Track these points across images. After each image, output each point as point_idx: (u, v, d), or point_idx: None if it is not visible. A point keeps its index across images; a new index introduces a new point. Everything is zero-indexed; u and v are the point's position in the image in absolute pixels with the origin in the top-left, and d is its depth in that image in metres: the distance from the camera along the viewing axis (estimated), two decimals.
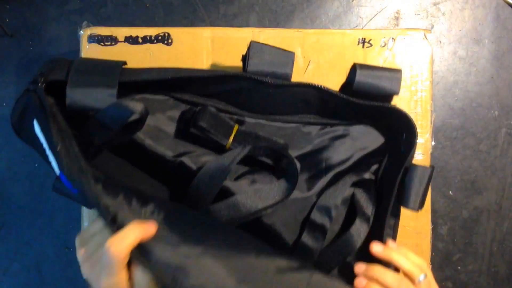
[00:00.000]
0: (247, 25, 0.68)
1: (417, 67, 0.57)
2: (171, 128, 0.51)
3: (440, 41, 0.69)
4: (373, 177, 0.53)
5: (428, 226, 0.56)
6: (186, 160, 0.49)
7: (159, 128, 0.50)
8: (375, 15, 0.68)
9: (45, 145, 0.39)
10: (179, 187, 0.50)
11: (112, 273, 0.34)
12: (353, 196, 0.51)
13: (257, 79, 0.45)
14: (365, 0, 0.68)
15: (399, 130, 0.49)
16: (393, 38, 0.56)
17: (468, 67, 0.69)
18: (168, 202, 0.43)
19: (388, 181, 0.48)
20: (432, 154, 0.56)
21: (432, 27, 0.68)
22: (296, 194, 0.51)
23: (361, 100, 0.46)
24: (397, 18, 0.68)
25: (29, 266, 0.68)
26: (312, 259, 0.50)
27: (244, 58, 0.46)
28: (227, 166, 0.46)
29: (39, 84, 0.40)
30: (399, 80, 0.46)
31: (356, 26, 0.68)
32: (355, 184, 0.49)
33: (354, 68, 0.46)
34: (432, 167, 0.47)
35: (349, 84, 0.47)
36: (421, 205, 0.47)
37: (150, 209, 0.39)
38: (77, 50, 0.55)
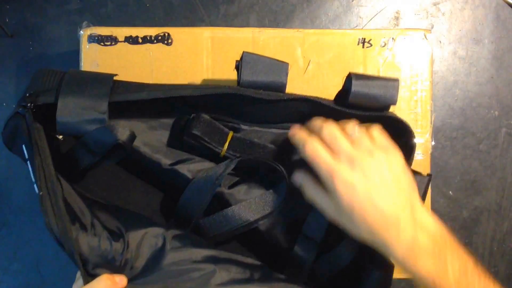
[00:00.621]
0: (247, 25, 0.68)
1: (417, 67, 0.57)
2: (165, 135, 0.50)
3: (440, 41, 0.69)
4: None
5: None
6: (181, 168, 0.48)
7: (153, 135, 0.50)
8: (375, 15, 0.68)
9: (31, 170, 0.40)
10: (174, 195, 0.50)
11: None
12: None
13: (251, 96, 0.44)
14: (365, 0, 0.68)
15: (397, 137, 0.49)
16: (393, 38, 0.56)
17: (468, 67, 0.69)
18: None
19: None
20: (432, 154, 0.56)
21: (432, 27, 0.68)
22: (292, 202, 0.50)
23: (358, 111, 0.45)
24: (397, 18, 0.68)
25: (29, 266, 0.68)
26: (305, 269, 0.50)
27: (237, 67, 0.46)
28: (214, 181, 0.45)
29: (29, 108, 0.40)
30: (396, 89, 0.44)
31: (356, 26, 0.68)
32: None
33: (349, 77, 0.45)
34: (430, 175, 0.46)
35: (345, 92, 0.46)
36: None
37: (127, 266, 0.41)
38: (77, 50, 0.55)
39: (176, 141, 0.49)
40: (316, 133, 0.44)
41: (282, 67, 0.45)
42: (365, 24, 0.68)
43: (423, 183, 0.46)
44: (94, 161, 0.45)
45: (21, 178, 0.67)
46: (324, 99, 0.45)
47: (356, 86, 0.44)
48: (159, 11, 0.67)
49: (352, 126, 0.43)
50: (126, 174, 0.50)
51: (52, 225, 0.37)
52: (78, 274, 0.46)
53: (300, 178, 0.45)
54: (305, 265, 0.49)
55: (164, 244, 0.43)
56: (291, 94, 0.45)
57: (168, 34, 0.55)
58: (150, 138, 0.49)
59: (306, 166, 0.43)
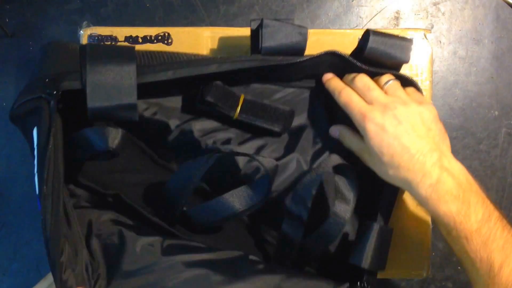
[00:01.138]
0: (247, 25, 0.68)
1: (417, 67, 0.57)
2: (177, 103, 0.50)
3: (440, 41, 0.69)
4: None
5: (428, 226, 0.56)
6: (189, 125, 0.49)
7: (162, 104, 0.49)
8: (375, 15, 0.68)
9: (35, 153, 0.39)
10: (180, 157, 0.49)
11: None
12: (328, 183, 0.50)
13: (276, 64, 0.45)
14: (365, 0, 0.68)
15: None
16: None
17: (468, 67, 0.69)
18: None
19: None
20: None
21: (432, 27, 0.68)
22: (293, 171, 0.50)
23: (372, 68, 0.47)
24: (397, 18, 0.68)
25: (29, 266, 0.68)
26: (294, 248, 0.50)
27: (255, 34, 0.46)
28: (196, 174, 0.46)
29: (55, 95, 0.39)
30: (409, 49, 0.46)
31: (356, 26, 0.68)
32: (334, 171, 0.48)
33: (367, 33, 0.46)
34: None
35: (360, 50, 0.47)
36: None
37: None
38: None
39: (187, 108, 0.50)
40: (349, 84, 0.46)
41: (301, 30, 0.45)
42: (365, 24, 0.68)
43: None
44: (83, 157, 0.45)
45: (21, 178, 0.67)
46: (342, 53, 0.46)
47: (372, 42, 0.45)
48: (159, 11, 0.67)
49: (387, 77, 0.46)
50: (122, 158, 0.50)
51: (47, 225, 0.36)
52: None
53: (336, 129, 0.49)
54: (293, 245, 0.49)
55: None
56: (311, 55, 0.46)
57: (168, 34, 0.55)
58: (159, 106, 0.49)
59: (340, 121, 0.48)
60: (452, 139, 0.69)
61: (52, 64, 0.41)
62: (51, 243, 0.36)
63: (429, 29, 0.58)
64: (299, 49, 0.46)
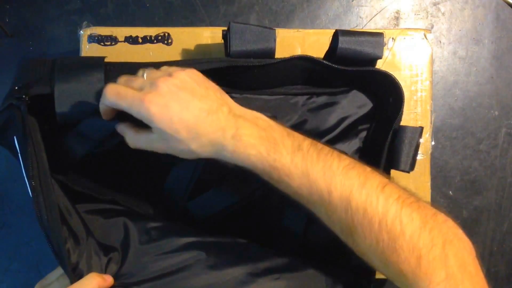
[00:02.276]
0: None
1: (417, 67, 0.57)
2: None
3: (440, 41, 0.69)
4: (361, 145, 0.53)
5: None
6: None
7: None
8: (375, 15, 0.68)
9: (22, 163, 0.40)
10: (161, 173, 0.50)
11: None
12: None
13: (244, 65, 0.44)
14: (365, 0, 0.68)
15: (386, 93, 0.49)
16: (393, 38, 0.56)
17: (468, 67, 0.69)
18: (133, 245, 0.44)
19: (378, 146, 0.48)
20: (432, 154, 0.56)
21: (432, 27, 0.68)
22: None
23: (345, 66, 0.46)
24: (397, 18, 0.68)
25: (29, 265, 0.68)
26: (296, 239, 0.50)
27: (225, 38, 0.46)
28: (193, 172, 0.46)
29: (24, 99, 0.40)
30: (381, 44, 0.46)
31: (356, 26, 0.68)
32: None
33: (336, 34, 0.46)
34: (421, 127, 0.47)
35: (332, 51, 0.47)
36: (412, 166, 0.47)
37: (112, 258, 0.43)
38: (77, 50, 0.55)
39: None
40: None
41: (269, 33, 0.45)
42: (365, 24, 0.68)
43: (416, 134, 0.46)
44: (92, 148, 0.45)
45: (21, 178, 0.67)
46: (313, 57, 0.46)
47: (342, 42, 0.45)
48: (159, 11, 0.67)
49: (140, 70, 0.42)
50: (113, 160, 0.50)
51: (42, 217, 0.37)
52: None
53: (121, 128, 0.43)
54: (296, 235, 0.49)
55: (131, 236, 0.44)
56: (281, 58, 0.46)
57: (168, 34, 0.55)
58: None
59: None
60: (452, 139, 0.69)
61: (24, 77, 0.42)
62: (51, 233, 0.37)
63: (429, 29, 0.58)
64: (268, 53, 0.46)
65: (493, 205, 0.69)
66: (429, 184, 0.56)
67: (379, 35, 0.46)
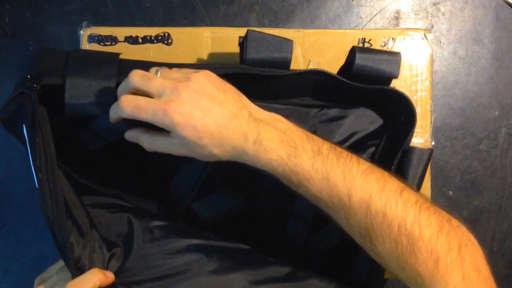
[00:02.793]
0: (247, 25, 0.68)
1: (417, 67, 0.57)
2: None
3: (440, 41, 0.69)
4: (369, 160, 0.53)
5: None
6: None
7: None
8: (375, 15, 0.68)
9: (29, 152, 0.40)
10: (165, 173, 0.50)
11: None
12: None
13: (258, 74, 0.44)
14: (365, 0, 0.68)
15: (398, 112, 0.49)
16: (393, 38, 0.56)
17: (468, 67, 0.69)
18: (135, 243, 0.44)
19: (385, 164, 0.48)
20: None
21: (432, 27, 0.68)
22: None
23: (360, 84, 0.46)
24: (397, 18, 0.68)
25: (29, 265, 0.68)
26: (298, 248, 0.50)
27: (242, 45, 0.46)
28: (201, 172, 0.46)
29: (35, 88, 0.40)
30: (398, 64, 0.46)
31: (356, 26, 0.68)
32: None
33: (353, 51, 0.46)
34: (431, 149, 0.47)
35: (348, 67, 0.47)
36: (419, 187, 0.47)
37: (115, 253, 0.43)
38: None
39: None
40: (122, 90, 0.41)
41: (286, 44, 0.45)
42: (365, 24, 0.68)
43: (425, 156, 0.46)
44: (102, 145, 0.45)
45: (21, 178, 0.67)
46: (328, 72, 0.46)
47: (359, 59, 0.45)
48: (159, 11, 0.67)
49: (153, 69, 0.42)
50: (118, 156, 0.50)
51: (47, 209, 0.37)
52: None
53: (133, 134, 0.43)
54: (298, 244, 0.49)
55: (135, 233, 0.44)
56: (296, 70, 0.45)
57: (168, 34, 0.55)
58: None
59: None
60: (452, 139, 0.69)
61: (37, 66, 0.42)
62: (56, 226, 0.37)
63: (429, 29, 0.58)
64: (284, 63, 0.46)
65: (493, 205, 0.69)
66: (429, 184, 0.56)
67: (396, 54, 0.46)
